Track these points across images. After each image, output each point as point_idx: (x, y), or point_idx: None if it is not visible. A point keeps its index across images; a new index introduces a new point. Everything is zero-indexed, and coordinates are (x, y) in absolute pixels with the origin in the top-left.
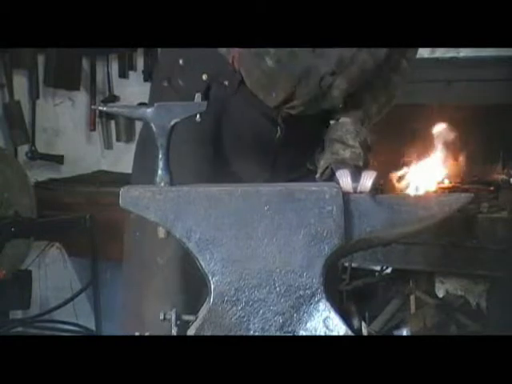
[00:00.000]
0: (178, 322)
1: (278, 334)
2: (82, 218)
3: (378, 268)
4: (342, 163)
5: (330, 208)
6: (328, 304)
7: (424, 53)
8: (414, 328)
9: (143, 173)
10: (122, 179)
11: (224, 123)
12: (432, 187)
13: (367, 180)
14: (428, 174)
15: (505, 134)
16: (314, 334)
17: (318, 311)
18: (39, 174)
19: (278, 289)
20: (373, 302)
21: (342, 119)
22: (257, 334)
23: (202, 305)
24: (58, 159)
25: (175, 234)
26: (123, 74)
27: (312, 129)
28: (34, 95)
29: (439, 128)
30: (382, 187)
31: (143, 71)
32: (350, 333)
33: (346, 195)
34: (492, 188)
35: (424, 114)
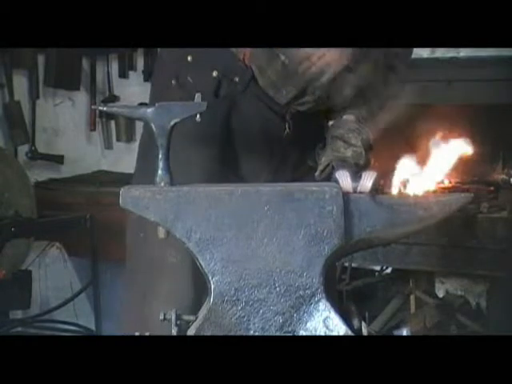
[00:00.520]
0: (178, 322)
1: (277, 334)
2: (82, 218)
3: (377, 268)
4: (343, 161)
5: (330, 208)
6: (328, 304)
7: (424, 53)
8: (414, 328)
9: (145, 174)
10: (122, 179)
11: (233, 120)
12: (432, 187)
13: (367, 181)
14: (428, 174)
15: (505, 134)
16: (314, 333)
17: (318, 311)
18: (39, 174)
19: (277, 289)
20: (373, 302)
21: (345, 116)
22: (257, 334)
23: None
24: (58, 159)
25: (175, 234)
26: (123, 74)
27: (323, 127)
28: (34, 95)
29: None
30: (382, 187)
31: (143, 71)
32: (349, 333)
33: (345, 195)
34: (492, 188)
35: (424, 114)
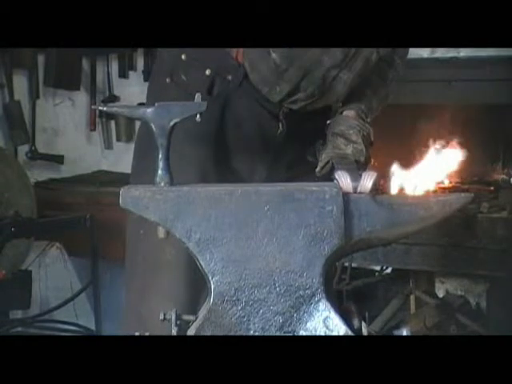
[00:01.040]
0: (178, 322)
1: (278, 334)
2: (82, 218)
3: (378, 268)
4: (344, 158)
5: (330, 208)
6: (328, 304)
7: (424, 53)
8: (414, 328)
9: (142, 174)
10: (122, 179)
11: (227, 118)
12: (432, 187)
13: (367, 181)
14: (428, 174)
15: (505, 134)
16: (314, 333)
17: (318, 311)
18: (39, 174)
19: (277, 289)
20: (373, 302)
21: (346, 112)
22: (257, 334)
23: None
24: (58, 159)
25: (175, 234)
26: (123, 74)
27: (317, 126)
28: (34, 95)
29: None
30: (382, 187)
31: (143, 71)
32: (350, 333)
33: (345, 195)
34: (492, 188)
35: (424, 114)
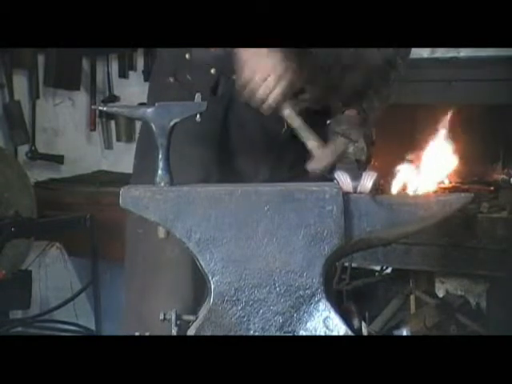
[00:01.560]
0: (178, 322)
1: (278, 334)
2: (82, 218)
3: (378, 268)
4: (345, 157)
5: (330, 208)
6: (328, 304)
7: (424, 53)
8: (414, 328)
9: (144, 174)
10: (122, 179)
11: (230, 118)
12: (432, 187)
13: (367, 181)
14: (428, 174)
15: (505, 134)
16: (314, 333)
17: (318, 311)
18: (39, 174)
19: (278, 289)
20: (373, 302)
21: (347, 112)
22: (257, 334)
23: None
24: (58, 159)
25: (175, 234)
26: (123, 74)
27: (321, 125)
28: (33, 95)
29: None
30: (382, 187)
31: (143, 71)
32: (350, 333)
33: (345, 195)
34: (492, 188)
35: (424, 114)
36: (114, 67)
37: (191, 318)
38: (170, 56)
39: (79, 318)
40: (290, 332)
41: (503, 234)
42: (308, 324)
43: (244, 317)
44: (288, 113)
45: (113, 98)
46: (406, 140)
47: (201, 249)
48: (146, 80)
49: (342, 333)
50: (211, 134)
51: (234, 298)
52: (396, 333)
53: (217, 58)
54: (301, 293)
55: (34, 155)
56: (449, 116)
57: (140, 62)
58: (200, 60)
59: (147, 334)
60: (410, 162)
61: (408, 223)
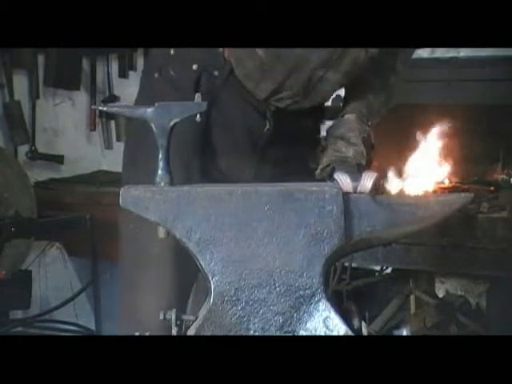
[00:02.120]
0: (178, 322)
1: (278, 333)
2: (82, 218)
3: (378, 268)
4: (344, 162)
5: (330, 208)
6: (328, 304)
7: (424, 53)
8: (414, 328)
9: (135, 172)
10: None
11: (213, 114)
12: (432, 187)
13: (367, 181)
14: (428, 173)
15: (505, 134)
16: (314, 333)
17: (318, 311)
18: (39, 173)
19: (278, 289)
20: (373, 302)
21: (346, 116)
22: (257, 334)
23: (191, 297)
24: (58, 159)
25: (175, 234)
26: (123, 74)
27: (304, 125)
28: (33, 95)
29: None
30: (381, 187)
31: (143, 71)
32: (350, 333)
33: (345, 195)
34: (492, 188)
35: (424, 114)
36: (114, 67)
37: (191, 317)
38: (157, 51)
39: (79, 318)
40: (290, 332)
41: (503, 234)
42: (308, 324)
43: (244, 317)
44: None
45: (113, 98)
46: (405, 140)
47: (201, 249)
48: None
49: (342, 333)
50: (193, 132)
51: (234, 298)
52: (396, 333)
53: (199, 53)
54: (301, 293)
55: (34, 155)
56: (448, 116)
57: (140, 62)
58: (182, 56)
59: (147, 333)
60: (409, 162)
61: (408, 223)
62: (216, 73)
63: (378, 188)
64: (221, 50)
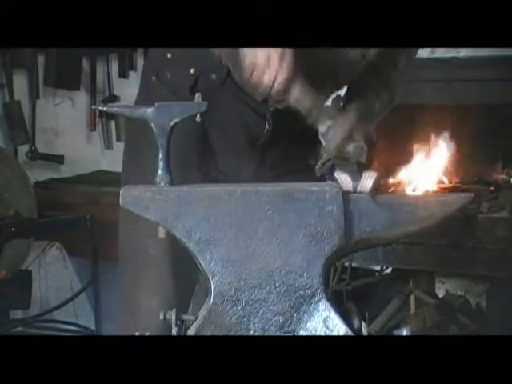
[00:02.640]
0: (178, 322)
1: (278, 333)
2: (82, 218)
3: (378, 268)
4: (344, 159)
5: (330, 208)
6: (328, 304)
7: (424, 53)
8: (414, 328)
9: (134, 172)
10: None
11: (211, 117)
12: (432, 187)
13: (368, 181)
14: (428, 173)
15: (505, 134)
16: (314, 334)
17: (318, 311)
18: (39, 173)
19: (278, 289)
20: (373, 302)
21: (348, 114)
22: (257, 334)
23: (192, 298)
24: (58, 159)
25: (175, 234)
26: (123, 74)
27: (303, 125)
28: (33, 95)
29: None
30: (382, 187)
31: None
32: (350, 333)
33: (345, 195)
34: (492, 188)
35: (424, 114)
36: (114, 67)
37: (191, 317)
38: (154, 55)
39: (79, 318)
40: (290, 332)
41: (503, 234)
42: (308, 324)
43: (244, 317)
44: (297, 93)
45: (113, 98)
46: (405, 140)
47: (201, 249)
48: None
49: (342, 333)
50: (191, 134)
51: (234, 298)
52: (396, 333)
53: (196, 57)
54: (301, 293)
55: (34, 155)
56: (448, 116)
57: (140, 62)
58: (179, 59)
59: (147, 333)
60: (410, 162)
61: (408, 223)
62: (214, 76)
63: (378, 188)
64: (217, 54)
